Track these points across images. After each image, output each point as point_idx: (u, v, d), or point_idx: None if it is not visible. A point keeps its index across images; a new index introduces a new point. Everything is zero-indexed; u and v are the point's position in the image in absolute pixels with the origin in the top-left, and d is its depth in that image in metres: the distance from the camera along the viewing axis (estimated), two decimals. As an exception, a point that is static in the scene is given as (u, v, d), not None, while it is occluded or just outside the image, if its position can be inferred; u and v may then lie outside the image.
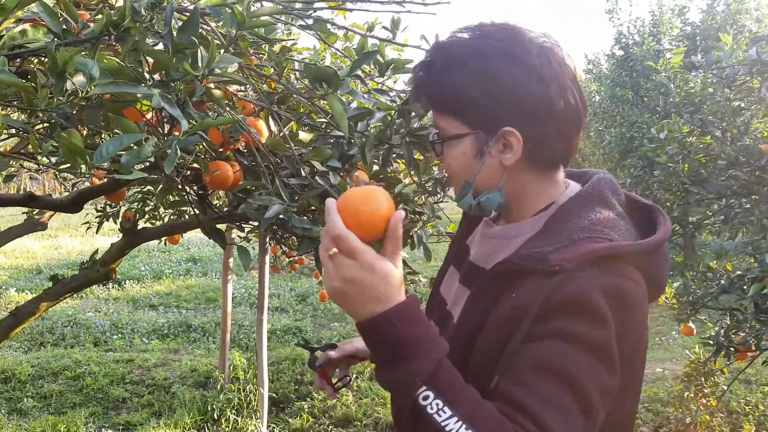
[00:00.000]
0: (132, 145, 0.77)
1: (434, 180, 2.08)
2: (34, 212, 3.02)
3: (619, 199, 0.92)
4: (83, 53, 0.78)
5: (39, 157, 0.84)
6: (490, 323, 0.81)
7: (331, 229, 0.73)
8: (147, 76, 0.91)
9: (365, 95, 1.19)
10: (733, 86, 2.81)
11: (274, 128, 1.46)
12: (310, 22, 1.24)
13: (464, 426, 0.69)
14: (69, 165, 0.72)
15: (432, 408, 0.70)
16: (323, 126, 1.41)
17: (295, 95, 1.42)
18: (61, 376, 4.78)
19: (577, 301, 0.75)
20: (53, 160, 0.79)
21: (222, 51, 0.99)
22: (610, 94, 11.12)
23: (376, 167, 2.00)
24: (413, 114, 1.19)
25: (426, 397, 0.70)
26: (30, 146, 1.39)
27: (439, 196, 1.99)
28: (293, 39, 1.33)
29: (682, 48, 3.15)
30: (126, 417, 4.03)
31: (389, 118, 1.20)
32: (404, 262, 2.50)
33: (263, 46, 1.24)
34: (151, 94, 0.81)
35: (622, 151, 10.01)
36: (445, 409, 0.70)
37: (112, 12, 0.85)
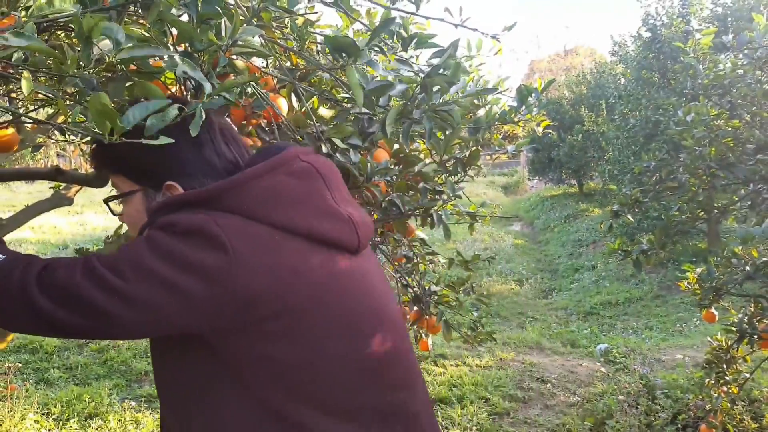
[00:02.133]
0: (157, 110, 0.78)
1: (455, 159, 2.07)
2: (61, 187, 3.07)
3: (270, 154, 0.97)
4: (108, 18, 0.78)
5: (67, 125, 0.84)
6: None
7: None
8: (171, 47, 0.92)
9: (390, 72, 1.18)
10: (765, 68, 2.73)
11: (295, 104, 1.46)
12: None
13: None
14: (97, 130, 0.73)
15: None
16: (345, 101, 1.41)
17: (317, 69, 1.42)
18: (85, 348, 4.91)
19: (156, 226, 0.89)
20: (80, 128, 0.79)
21: (245, 23, 0.99)
22: (636, 76, 10.89)
23: (396, 145, 2.00)
24: (436, 88, 1.17)
25: None
26: (59, 118, 1.41)
27: (459, 175, 1.98)
28: (316, 13, 1.32)
29: (713, 28, 3.05)
30: (148, 390, 4.13)
31: (411, 92, 1.18)
32: (424, 242, 2.51)
33: (285, 20, 1.24)
34: (175, 59, 0.82)
35: (647, 135, 9.83)
36: None
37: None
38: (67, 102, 0.95)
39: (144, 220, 0.97)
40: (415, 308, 2.47)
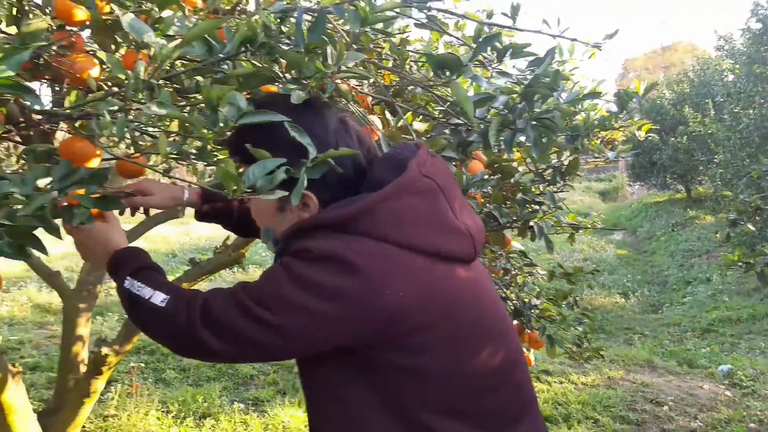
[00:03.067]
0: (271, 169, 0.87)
1: (552, 168, 2.03)
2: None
3: (394, 167, 1.00)
4: (233, 89, 0.87)
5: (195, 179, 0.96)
6: None
7: None
8: (283, 76, 0.99)
9: (488, 82, 1.20)
10: None
11: (391, 120, 1.51)
12: (427, 13, 1.26)
13: (152, 290, 1.01)
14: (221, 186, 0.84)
15: (133, 287, 1.03)
16: (440, 115, 1.43)
17: (411, 86, 1.46)
18: (198, 351, 5.24)
19: (291, 252, 0.96)
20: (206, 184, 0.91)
21: (347, 48, 1.05)
22: (747, 72, 10.03)
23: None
24: (537, 97, 1.17)
25: (131, 284, 1.04)
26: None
27: (559, 185, 1.94)
28: (408, 32, 1.36)
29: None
30: (254, 393, 4.35)
31: (511, 102, 1.19)
32: (523, 254, 2.46)
33: (381, 39, 1.29)
34: (286, 126, 0.89)
35: (763, 135, 9.02)
36: (141, 285, 1.03)
37: (246, 28, 0.93)
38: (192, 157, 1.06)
39: (271, 220, 1.05)
40: (515, 322, 2.43)
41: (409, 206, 0.96)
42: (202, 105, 1.13)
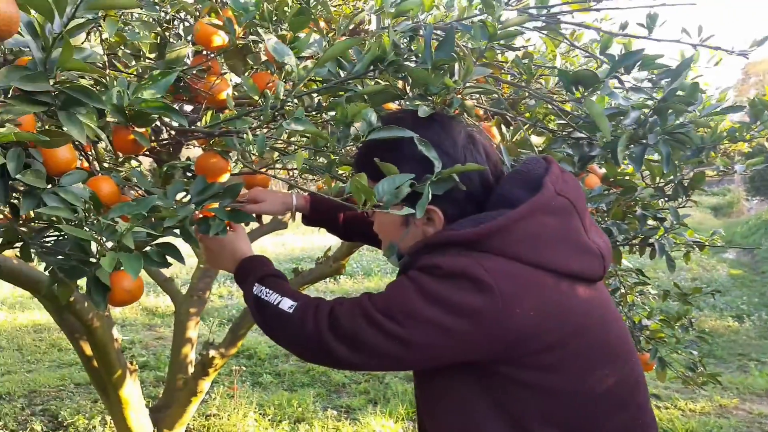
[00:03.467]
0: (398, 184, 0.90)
1: (675, 183, 1.91)
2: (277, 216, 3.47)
3: (525, 183, 0.99)
4: (368, 107, 0.90)
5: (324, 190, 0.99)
6: None
7: None
8: (408, 94, 1.00)
9: (622, 97, 1.15)
10: None
11: (507, 133, 1.48)
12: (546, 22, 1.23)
13: (279, 296, 1.06)
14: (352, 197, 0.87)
15: (261, 293, 1.09)
16: (559, 128, 1.39)
17: (529, 99, 1.43)
18: (291, 357, 5.41)
19: (419, 267, 0.96)
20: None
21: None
22: None
23: (603, 169, 1.90)
24: (670, 111, 1.11)
25: (259, 290, 1.09)
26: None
27: (681, 200, 1.82)
28: (532, 45, 1.33)
29: None
30: (346, 401, 4.41)
31: (642, 117, 1.13)
32: (640, 272, 2.34)
33: (504, 53, 1.27)
34: (415, 141, 0.90)
35: None
36: (269, 291, 1.08)
37: (377, 48, 0.95)
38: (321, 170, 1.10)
39: (395, 234, 1.07)
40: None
41: (543, 226, 0.94)
42: (327, 121, 1.16)
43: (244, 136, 0.92)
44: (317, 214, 1.45)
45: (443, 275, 0.92)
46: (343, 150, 0.95)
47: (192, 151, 1.65)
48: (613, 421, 0.98)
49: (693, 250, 2.23)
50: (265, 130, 0.98)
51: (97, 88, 0.83)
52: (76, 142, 1.01)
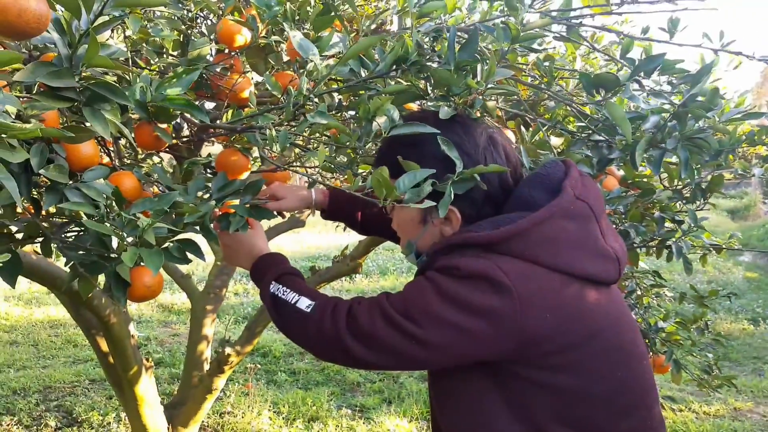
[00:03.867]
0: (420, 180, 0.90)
1: (693, 186, 1.89)
2: (296, 212, 3.49)
3: (544, 186, 1.00)
4: (390, 100, 0.90)
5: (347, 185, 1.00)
6: None
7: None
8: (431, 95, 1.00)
9: (643, 101, 1.14)
10: None
11: (525, 135, 1.47)
12: (569, 24, 1.22)
13: (297, 295, 1.06)
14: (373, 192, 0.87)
15: (278, 291, 1.09)
16: (578, 130, 1.38)
17: (549, 100, 1.42)
18: (306, 355, 5.42)
19: (437, 268, 0.97)
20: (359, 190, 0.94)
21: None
22: None
23: (621, 171, 1.89)
24: (690, 116, 1.10)
25: (276, 289, 1.09)
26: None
27: (699, 203, 1.80)
28: (552, 47, 1.33)
29: None
30: (361, 400, 4.42)
31: (661, 121, 1.12)
32: (657, 274, 2.32)
33: (526, 56, 1.27)
34: (438, 139, 0.90)
35: None
36: (286, 289, 1.08)
37: (401, 48, 0.95)
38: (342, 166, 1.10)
39: (413, 233, 1.07)
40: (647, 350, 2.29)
41: (562, 230, 0.95)
42: (348, 120, 1.17)
43: (267, 132, 0.92)
44: (336, 207, 1.45)
45: (462, 276, 0.92)
46: (364, 147, 0.95)
47: (213, 149, 1.67)
48: (625, 422, 0.99)
49: (710, 253, 2.21)
50: (287, 127, 0.98)
51: (120, 84, 0.83)
52: (99, 138, 1.02)
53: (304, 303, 1.04)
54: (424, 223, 1.06)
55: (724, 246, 2.16)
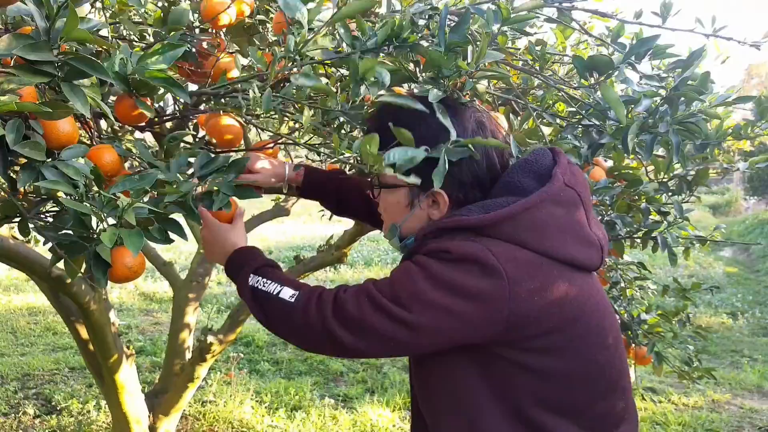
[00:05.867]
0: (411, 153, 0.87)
1: (679, 178, 1.90)
2: (280, 200, 3.45)
3: (533, 173, 1.00)
4: (380, 61, 0.87)
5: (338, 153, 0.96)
6: None
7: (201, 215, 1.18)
8: (419, 77, 0.98)
9: (636, 85, 1.13)
10: None
11: (515, 123, 1.46)
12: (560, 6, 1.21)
13: (278, 285, 1.03)
14: (362, 162, 0.83)
15: (258, 283, 1.05)
16: (568, 116, 1.37)
17: (537, 88, 1.41)
18: (289, 345, 5.41)
19: (427, 252, 0.96)
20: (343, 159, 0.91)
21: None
22: None
23: (610, 162, 1.89)
24: (681, 100, 1.09)
25: (255, 281, 1.06)
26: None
27: (685, 195, 1.81)
28: (544, 31, 1.31)
29: None
30: (344, 390, 4.41)
31: (653, 106, 1.12)
32: (642, 266, 2.33)
33: (514, 38, 1.25)
34: (434, 107, 0.89)
35: None
36: (266, 281, 1.05)
37: (395, 24, 0.93)
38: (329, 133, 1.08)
39: (398, 216, 1.06)
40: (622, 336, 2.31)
41: (551, 216, 0.96)
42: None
43: (251, 94, 0.89)
44: (311, 185, 1.41)
45: (452, 260, 0.92)
46: (352, 110, 0.92)
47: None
48: (601, 404, 1.01)
49: (693, 247, 2.23)
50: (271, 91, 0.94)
51: (101, 59, 0.80)
52: (79, 116, 0.99)
53: (287, 293, 1.01)
54: (411, 207, 1.05)
55: (708, 238, 2.18)
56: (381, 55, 0.96)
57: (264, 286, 1.04)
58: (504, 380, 0.96)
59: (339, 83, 1.06)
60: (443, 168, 0.91)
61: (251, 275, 1.07)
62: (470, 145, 0.95)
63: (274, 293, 1.02)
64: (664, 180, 1.80)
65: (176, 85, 0.92)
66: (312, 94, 0.96)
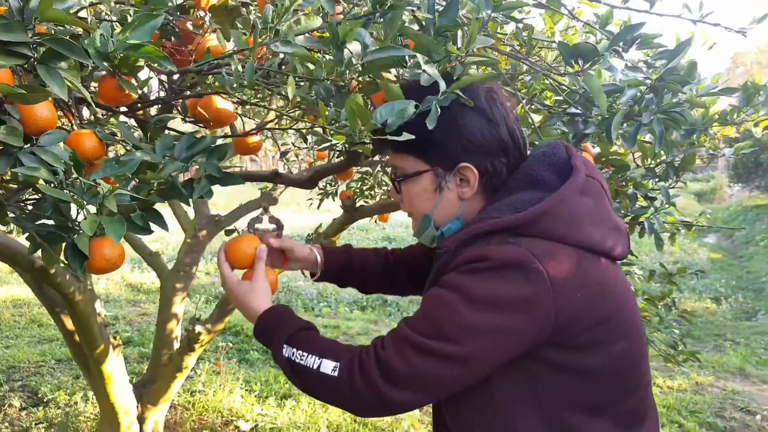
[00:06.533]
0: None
1: (665, 163, 1.91)
2: (269, 188, 3.43)
3: (552, 166, 0.98)
4: (360, 24, 0.85)
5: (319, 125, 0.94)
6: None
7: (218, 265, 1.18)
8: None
9: (621, 73, 1.13)
10: None
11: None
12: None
13: (317, 357, 0.96)
14: (347, 126, 0.81)
15: (295, 356, 0.99)
16: (556, 104, 1.37)
17: (525, 74, 1.40)
18: (278, 335, 5.39)
19: (460, 264, 0.91)
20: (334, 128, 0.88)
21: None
22: None
23: (597, 148, 1.89)
24: (666, 90, 1.09)
25: (291, 353, 0.99)
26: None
27: (670, 181, 1.82)
28: (533, 17, 1.30)
29: None
30: (333, 378, 4.42)
31: (638, 95, 1.11)
32: (631, 252, 2.35)
33: (503, 24, 1.24)
34: (418, 58, 0.86)
35: None
36: (302, 353, 0.98)
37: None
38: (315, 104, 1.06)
39: (428, 204, 1.01)
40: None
41: (584, 206, 0.94)
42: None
43: (233, 68, 0.87)
44: (336, 268, 1.32)
45: (489, 268, 0.87)
46: (340, 78, 0.89)
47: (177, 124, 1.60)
48: (629, 399, 0.98)
49: (679, 233, 2.25)
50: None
51: (79, 41, 0.78)
52: (60, 103, 0.96)
53: (329, 366, 0.95)
54: (440, 191, 1.00)
55: (694, 223, 2.20)
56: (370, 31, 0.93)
57: (302, 359, 0.98)
58: (540, 385, 0.92)
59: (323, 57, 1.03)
60: (435, 113, 0.87)
61: (285, 346, 1.01)
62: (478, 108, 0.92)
63: (314, 367, 0.96)
64: (651, 166, 1.80)
65: (160, 55, 0.89)
66: (300, 75, 0.94)
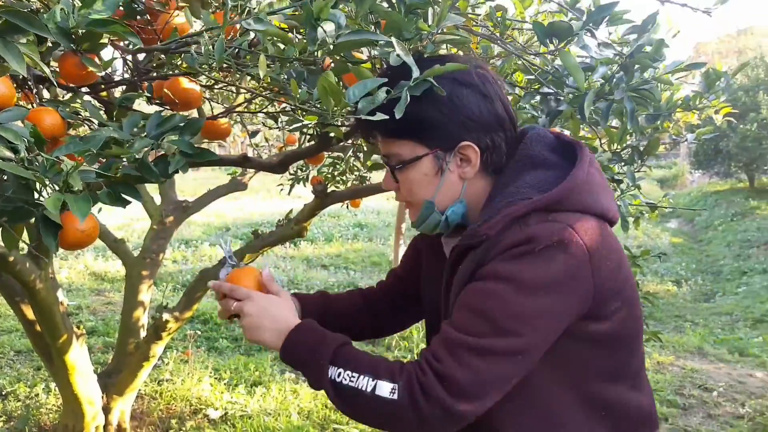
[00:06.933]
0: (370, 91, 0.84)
1: (631, 147, 1.95)
2: (237, 174, 3.38)
3: (547, 146, 0.99)
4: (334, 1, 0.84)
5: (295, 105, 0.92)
6: (452, 296, 0.97)
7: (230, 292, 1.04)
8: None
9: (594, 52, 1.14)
10: None
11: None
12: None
13: (371, 378, 0.88)
14: (319, 106, 0.80)
15: (343, 378, 0.90)
16: (528, 84, 1.38)
17: (496, 58, 1.40)
18: (248, 322, 5.34)
19: (501, 250, 0.88)
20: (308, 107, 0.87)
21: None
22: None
23: (567, 132, 1.92)
24: (637, 67, 1.11)
25: (337, 374, 0.91)
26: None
27: (636, 165, 1.86)
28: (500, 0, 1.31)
29: None
30: (303, 364, 4.41)
31: (609, 73, 1.13)
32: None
33: (476, 7, 1.24)
34: (392, 42, 0.85)
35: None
36: (352, 374, 0.90)
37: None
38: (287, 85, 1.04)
39: (430, 189, 0.97)
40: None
41: (597, 179, 0.97)
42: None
43: (202, 47, 0.85)
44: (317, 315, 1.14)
45: (533, 250, 0.86)
46: (312, 57, 0.87)
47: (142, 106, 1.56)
48: (634, 361, 1.00)
49: (643, 217, 2.30)
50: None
51: (38, 14, 0.75)
52: (20, 81, 0.93)
53: (386, 388, 0.87)
54: (441, 174, 0.97)
55: (658, 205, 2.26)
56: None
57: (351, 381, 0.89)
58: (569, 362, 0.93)
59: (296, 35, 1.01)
60: (405, 101, 0.86)
61: (330, 367, 0.91)
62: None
63: (368, 390, 0.88)
64: (618, 150, 1.84)
65: (126, 30, 0.85)
66: (272, 55, 0.91)
